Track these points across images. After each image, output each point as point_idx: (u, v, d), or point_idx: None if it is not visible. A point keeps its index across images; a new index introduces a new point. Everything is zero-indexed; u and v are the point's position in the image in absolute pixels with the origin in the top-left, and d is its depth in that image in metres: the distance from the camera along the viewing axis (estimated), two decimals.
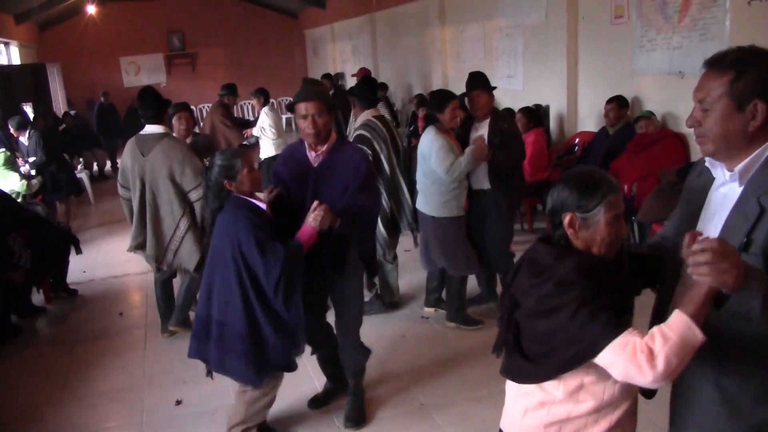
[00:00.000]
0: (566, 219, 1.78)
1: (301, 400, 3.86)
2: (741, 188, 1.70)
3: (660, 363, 1.55)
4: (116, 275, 6.63)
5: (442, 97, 4.47)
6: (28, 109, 11.30)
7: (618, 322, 1.67)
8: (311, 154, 3.23)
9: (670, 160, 5.50)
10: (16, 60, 13.52)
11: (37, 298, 5.84)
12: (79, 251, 6.11)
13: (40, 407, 4.10)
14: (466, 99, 4.71)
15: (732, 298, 1.53)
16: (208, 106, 12.88)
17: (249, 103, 17.92)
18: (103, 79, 16.39)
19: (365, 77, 5.22)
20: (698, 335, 1.56)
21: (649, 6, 5.90)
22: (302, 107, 3.11)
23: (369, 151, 4.45)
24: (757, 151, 1.68)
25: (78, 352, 4.87)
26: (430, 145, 4.38)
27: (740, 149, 1.69)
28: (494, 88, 4.73)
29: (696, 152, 5.56)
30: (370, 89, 4.99)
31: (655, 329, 1.61)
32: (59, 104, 14.53)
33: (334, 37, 15.91)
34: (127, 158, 4.58)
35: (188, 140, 5.27)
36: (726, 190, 1.75)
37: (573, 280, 1.71)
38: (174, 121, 5.34)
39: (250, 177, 3.08)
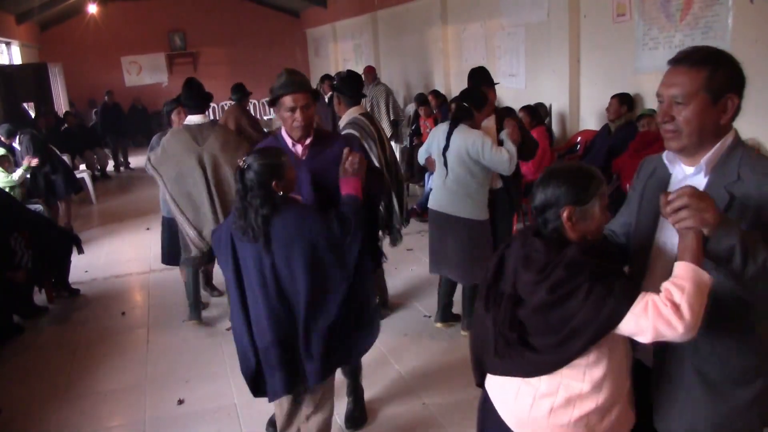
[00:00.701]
0: (565, 213, 1.83)
1: None
2: (706, 179, 1.81)
3: (686, 312, 1.61)
4: (118, 275, 6.63)
5: (482, 96, 4.39)
6: (30, 110, 11.32)
7: (632, 286, 1.74)
8: (297, 148, 3.07)
9: None
10: (17, 60, 13.53)
11: (39, 297, 5.84)
12: (81, 251, 6.12)
13: (42, 407, 4.11)
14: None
15: (714, 240, 1.63)
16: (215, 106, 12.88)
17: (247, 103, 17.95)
18: (104, 79, 16.39)
19: (349, 72, 5.05)
20: (706, 277, 1.64)
21: (652, 4, 5.88)
22: (289, 99, 2.96)
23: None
24: (719, 143, 1.82)
25: (80, 352, 4.88)
26: (475, 142, 4.15)
27: (709, 142, 1.81)
28: (496, 83, 4.71)
29: None
30: (355, 85, 4.76)
31: (666, 284, 1.67)
32: (61, 104, 14.54)
33: (336, 37, 15.90)
34: (176, 147, 4.57)
35: None
36: (689, 183, 1.81)
37: (582, 261, 1.76)
38: (173, 116, 5.33)
39: (293, 175, 2.82)
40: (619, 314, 1.69)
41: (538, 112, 7.07)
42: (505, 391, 2.01)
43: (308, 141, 3.07)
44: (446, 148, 4.31)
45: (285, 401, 2.94)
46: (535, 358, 1.87)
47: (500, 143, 4.28)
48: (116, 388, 4.31)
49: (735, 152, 1.82)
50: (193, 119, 4.66)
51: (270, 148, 2.86)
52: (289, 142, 3.08)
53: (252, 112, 17.43)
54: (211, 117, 4.97)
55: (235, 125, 7.23)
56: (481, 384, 2.15)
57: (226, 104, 17.35)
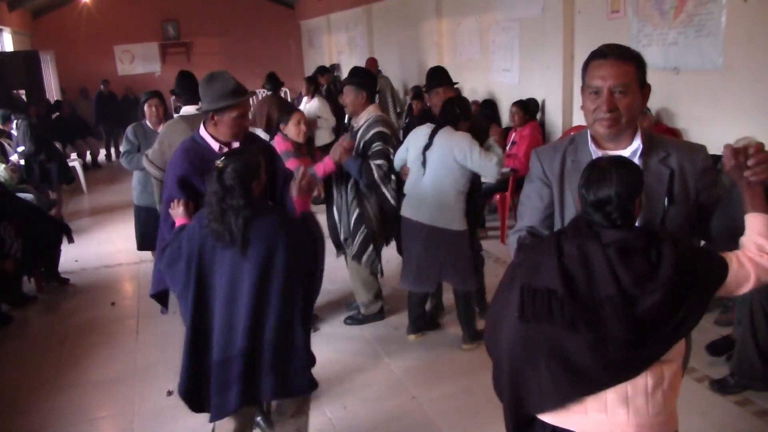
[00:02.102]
0: (638, 201, 1.85)
1: None
2: (641, 159, 2.02)
3: None
4: (109, 265, 6.61)
5: (469, 108, 4.33)
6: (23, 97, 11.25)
7: (715, 252, 1.87)
8: (224, 149, 3.00)
9: None
10: (9, 47, 13.42)
11: (28, 287, 5.82)
12: (71, 240, 6.10)
13: (29, 396, 4.09)
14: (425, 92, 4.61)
15: None
16: None
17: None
18: (97, 68, 16.27)
19: (359, 67, 5.00)
20: None
21: (646, 1, 5.88)
22: (237, 109, 2.96)
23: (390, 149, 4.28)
24: (638, 126, 2.05)
25: (69, 342, 4.86)
26: (462, 144, 3.97)
27: (633, 125, 2.03)
28: (456, 84, 4.62)
29: None
30: (375, 81, 4.61)
31: (745, 239, 1.87)
32: (52, 92, 14.45)
33: (330, 29, 15.85)
34: (177, 138, 4.42)
35: (160, 127, 5.13)
36: None
37: (685, 255, 1.78)
38: (145, 108, 5.32)
39: (265, 176, 2.78)
40: (723, 277, 1.82)
41: (530, 107, 7.09)
42: (608, 409, 1.81)
43: (237, 144, 3.03)
44: (428, 146, 4.07)
45: (233, 420, 2.77)
46: (648, 351, 1.77)
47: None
48: (105, 378, 4.30)
49: (653, 132, 2.12)
50: (188, 110, 4.65)
51: (245, 148, 2.82)
52: (215, 145, 3.02)
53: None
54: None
55: (266, 116, 7.27)
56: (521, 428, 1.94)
57: (260, 93, 17.31)
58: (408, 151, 4.21)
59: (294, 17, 18.52)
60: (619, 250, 1.76)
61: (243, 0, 17.78)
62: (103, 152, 13.12)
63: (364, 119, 4.37)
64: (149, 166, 4.49)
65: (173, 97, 5.13)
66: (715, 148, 5.69)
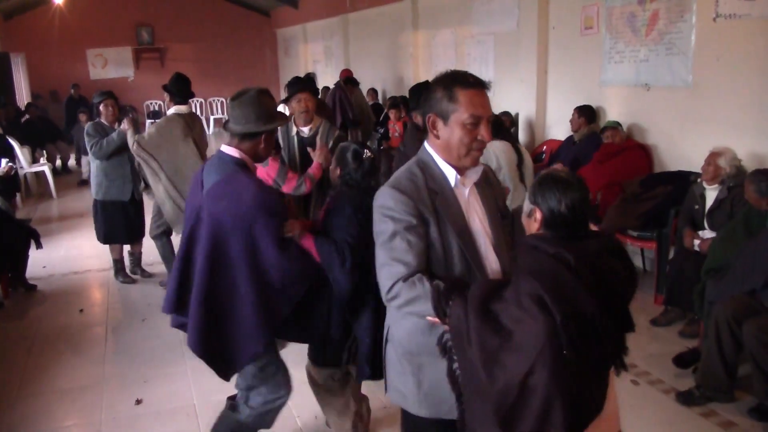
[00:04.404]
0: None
1: None
2: (481, 179, 2.17)
3: None
4: (77, 271, 6.51)
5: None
6: None
7: None
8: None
9: (635, 170, 5.61)
10: None
11: None
12: (39, 246, 6.00)
13: None
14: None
15: None
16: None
17: (219, 100, 17.78)
18: (69, 71, 16.05)
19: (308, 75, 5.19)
20: None
21: (618, 18, 6.01)
22: None
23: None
24: None
25: (35, 349, 4.77)
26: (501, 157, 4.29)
27: None
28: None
29: (660, 163, 5.68)
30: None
31: None
32: (23, 95, 14.21)
33: (306, 38, 15.85)
34: (176, 132, 5.15)
35: (115, 124, 5.68)
36: (466, 191, 2.13)
37: None
38: (101, 107, 5.72)
39: None
40: None
41: (498, 124, 6.78)
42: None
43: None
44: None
45: None
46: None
47: None
48: (72, 386, 4.23)
49: None
50: (181, 109, 5.31)
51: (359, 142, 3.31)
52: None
53: (201, 110, 17.40)
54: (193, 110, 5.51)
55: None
56: None
57: (192, 101, 17.18)
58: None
59: (270, 25, 18.50)
60: (606, 255, 1.84)
61: (219, 7, 17.71)
62: (73, 157, 12.92)
63: (317, 125, 4.45)
64: (140, 151, 5.01)
65: (166, 94, 5.50)
66: (684, 163, 5.82)
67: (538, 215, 1.91)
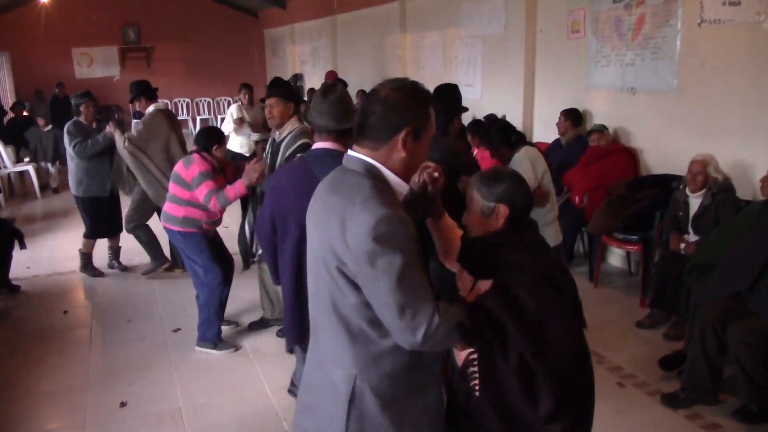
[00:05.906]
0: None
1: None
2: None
3: None
4: (62, 272, 6.46)
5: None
6: None
7: None
8: None
9: (621, 173, 5.64)
10: None
11: None
12: (23, 246, 5.94)
13: None
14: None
15: None
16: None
17: (226, 100, 17.70)
18: (54, 70, 15.90)
19: (281, 78, 5.01)
20: None
21: (605, 23, 6.04)
22: None
23: None
24: None
25: (19, 351, 4.72)
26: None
27: None
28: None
29: (646, 166, 5.72)
30: (295, 93, 4.72)
31: None
32: (7, 94, 14.08)
33: (294, 39, 15.83)
34: (162, 125, 5.62)
35: (93, 124, 6.11)
36: None
37: None
38: (82, 108, 5.96)
39: None
40: None
41: (482, 128, 6.14)
42: None
43: None
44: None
45: None
46: None
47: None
48: (56, 388, 4.19)
49: None
50: (159, 105, 5.77)
51: None
52: None
53: (187, 111, 17.31)
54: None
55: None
56: None
57: (178, 101, 17.14)
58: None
59: (258, 26, 18.45)
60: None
61: (206, 6, 17.63)
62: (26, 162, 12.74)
63: (288, 130, 4.19)
64: (132, 149, 5.40)
65: (137, 102, 5.86)
66: (669, 166, 5.86)
67: (504, 211, 1.93)
